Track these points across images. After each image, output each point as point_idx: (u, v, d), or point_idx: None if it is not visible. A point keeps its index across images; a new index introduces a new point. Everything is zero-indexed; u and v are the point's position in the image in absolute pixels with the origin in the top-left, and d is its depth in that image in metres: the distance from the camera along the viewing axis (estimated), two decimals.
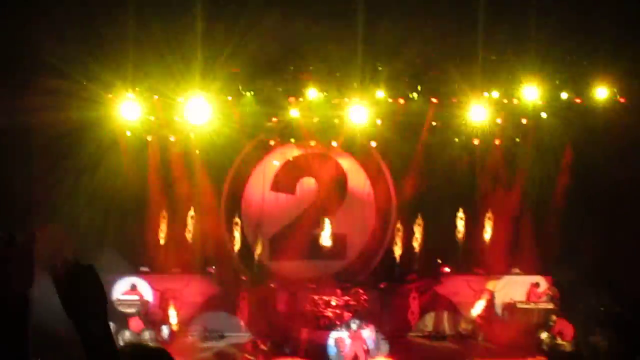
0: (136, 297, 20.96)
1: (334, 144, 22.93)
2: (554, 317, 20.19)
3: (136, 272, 21.48)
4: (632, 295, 19.44)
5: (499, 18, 19.07)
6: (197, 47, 19.47)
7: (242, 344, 20.61)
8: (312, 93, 21.25)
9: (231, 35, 19.42)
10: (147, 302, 21.15)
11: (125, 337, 19.66)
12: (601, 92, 20.73)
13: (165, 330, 20.65)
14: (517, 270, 21.82)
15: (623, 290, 19.60)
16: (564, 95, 21.12)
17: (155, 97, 21.07)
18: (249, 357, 19.59)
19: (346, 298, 21.14)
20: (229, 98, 21.31)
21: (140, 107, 20.95)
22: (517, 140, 22.32)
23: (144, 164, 21.90)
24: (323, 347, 19.45)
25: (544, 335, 19.94)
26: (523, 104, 21.39)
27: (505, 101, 21.47)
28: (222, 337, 21.20)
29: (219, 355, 20.17)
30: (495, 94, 21.27)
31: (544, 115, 21.42)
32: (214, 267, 22.17)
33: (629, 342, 18.19)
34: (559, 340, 19.69)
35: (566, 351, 19.55)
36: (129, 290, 20.98)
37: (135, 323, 20.34)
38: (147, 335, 20.04)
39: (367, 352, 19.21)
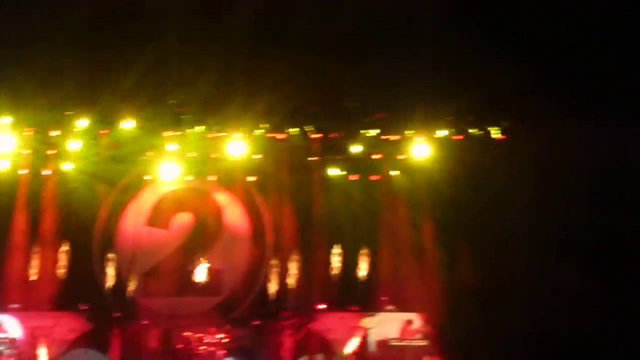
0: (3, 335, 20.37)
1: (211, 178, 22.71)
2: (426, 358, 20.14)
3: (4, 309, 20.89)
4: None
5: (381, 53, 19.20)
6: (71, 77, 19.30)
7: None
8: (189, 126, 21.14)
9: (106, 64, 19.29)
10: (15, 339, 20.56)
11: None
12: (480, 129, 21.11)
13: None
14: (391, 307, 21.71)
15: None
16: (443, 132, 21.38)
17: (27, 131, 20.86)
18: None
19: (219, 335, 20.88)
20: (103, 131, 21.14)
21: (14, 139, 20.71)
22: (393, 175, 22.37)
23: (15, 197, 21.47)
24: None
25: None
26: (403, 140, 21.62)
27: (384, 137, 21.58)
28: None
29: None
30: (374, 131, 21.45)
31: (419, 152, 21.61)
32: (86, 304, 21.65)
33: None
34: None
35: None
36: None
37: None
38: None
39: None
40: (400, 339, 21.00)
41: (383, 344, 21.03)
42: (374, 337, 21.29)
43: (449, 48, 19.12)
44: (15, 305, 21.10)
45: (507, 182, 20.67)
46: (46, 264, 21.73)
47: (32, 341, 20.69)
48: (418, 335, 20.95)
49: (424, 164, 21.73)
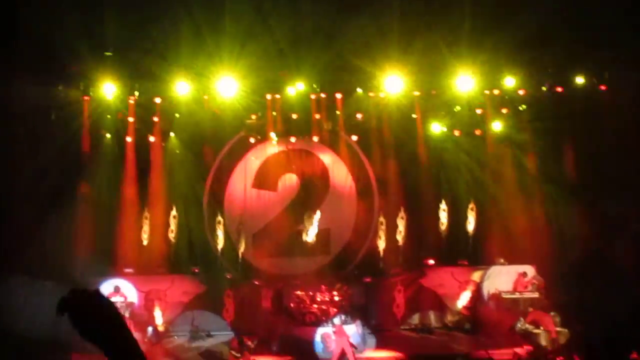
0: (121, 299, 20.72)
1: (315, 139, 22.88)
2: (530, 308, 20.08)
3: (120, 273, 21.27)
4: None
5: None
6: (174, 44, 19.52)
7: (228, 342, 20.41)
8: (291, 89, 21.31)
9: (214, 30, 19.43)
10: (132, 303, 20.94)
11: None
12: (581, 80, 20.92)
13: (151, 331, 20.42)
14: (502, 261, 21.69)
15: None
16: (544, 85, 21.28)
17: (133, 98, 21.21)
18: (236, 354, 19.43)
19: (331, 293, 21.08)
20: (205, 97, 21.38)
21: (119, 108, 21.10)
22: (497, 131, 22.21)
23: (123, 165, 21.83)
24: (309, 344, 19.39)
25: (519, 324, 19.65)
26: (505, 94, 21.49)
27: (487, 92, 21.49)
28: (208, 335, 20.99)
29: (206, 354, 20.05)
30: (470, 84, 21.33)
31: (519, 105, 21.60)
32: (198, 267, 22.03)
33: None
34: (531, 329, 19.43)
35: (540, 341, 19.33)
36: (112, 292, 20.66)
37: None
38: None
39: (353, 346, 19.10)
40: (513, 292, 20.96)
41: (496, 296, 21.05)
42: (486, 290, 21.33)
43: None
44: (129, 270, 21.47)
45: (615, 133, 20.42)
46: (157, 229, 22.09)
47: (147, 304, 21.10)
48: (531, 287, 20.91)
49: (525, 117, 21.60)
